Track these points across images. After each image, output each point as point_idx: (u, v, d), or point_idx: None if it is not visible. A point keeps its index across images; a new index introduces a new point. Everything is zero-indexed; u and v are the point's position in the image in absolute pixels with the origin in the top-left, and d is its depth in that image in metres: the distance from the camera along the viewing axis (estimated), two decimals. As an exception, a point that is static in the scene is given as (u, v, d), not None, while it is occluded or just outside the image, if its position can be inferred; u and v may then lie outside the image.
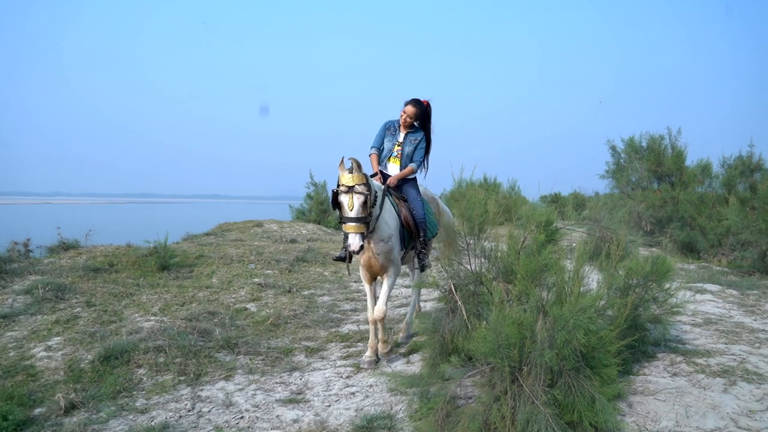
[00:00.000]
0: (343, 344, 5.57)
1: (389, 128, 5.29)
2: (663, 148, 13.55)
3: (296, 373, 4.79)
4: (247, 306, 6.82)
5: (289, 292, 7.68)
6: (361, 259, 4.80)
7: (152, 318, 6.02)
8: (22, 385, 4.44)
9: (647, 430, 3.23)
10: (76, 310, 6.24)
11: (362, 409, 3.93)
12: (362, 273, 4.93)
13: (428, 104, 5.26)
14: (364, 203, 4.33)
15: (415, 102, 5.17)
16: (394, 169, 5.26)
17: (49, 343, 5.27)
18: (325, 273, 9.15)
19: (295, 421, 3.84)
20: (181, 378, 4.66)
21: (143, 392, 4.41)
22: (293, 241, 11.85)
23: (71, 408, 4.06)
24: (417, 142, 5.25)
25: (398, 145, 5.25)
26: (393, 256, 4.77)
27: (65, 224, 10.39)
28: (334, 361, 5.07)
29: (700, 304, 6.48)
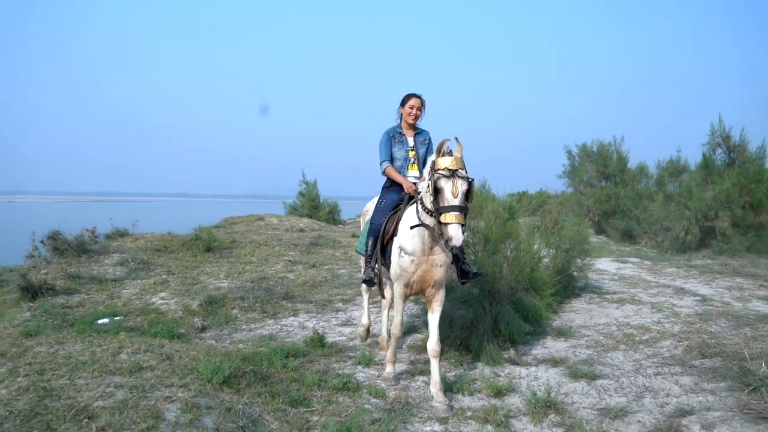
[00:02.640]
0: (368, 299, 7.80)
1: (394, 137, 4.93)
2: (610, 152, 16.14)
3: (340, 313, 7.01)
4: (286, 275, 9.02)
5: (314, 267, 9.90)
6: (411, 278, 4.23)
7: (224, 280, 8.20)
8: (159, 319, 6.57)
9: (567, 325, 5.58)
10: (163, 276, 8.36)
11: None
12: (400, 289, 4.31)
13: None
14: (468, 191, 3.86)
15: (414, 94, 4.91)
16: (413, 176, 4.94)
17: (160, 296, 7.40)
18: (336, 254, 11.38)
19: (351, 332, 6.08)
20: (264, 315, 6.84)
21: (242, 323, 6.57)
22: (302, 230, 14.06)
23: (202, 329, 6.21)
24: (427, 142, 5.01)
25: (412, 151, 4.95)
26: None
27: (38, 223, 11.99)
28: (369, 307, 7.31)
29: (622, 269, 8.93)
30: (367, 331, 5.57)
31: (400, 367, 4.88)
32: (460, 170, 3.83)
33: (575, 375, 4.36)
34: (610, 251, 11.76)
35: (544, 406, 3.77)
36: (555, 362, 4.69)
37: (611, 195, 14.77)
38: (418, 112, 4.90)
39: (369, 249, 4.75)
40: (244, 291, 7.52)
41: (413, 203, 4.38)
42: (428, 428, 3.68)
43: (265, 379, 4.19)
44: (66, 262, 8.63)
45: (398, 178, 4.79)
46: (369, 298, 5.65)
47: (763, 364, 3.77)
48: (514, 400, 4.03)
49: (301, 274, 9.20)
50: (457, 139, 3.97)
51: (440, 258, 4.20)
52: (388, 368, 4.61)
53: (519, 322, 5.00)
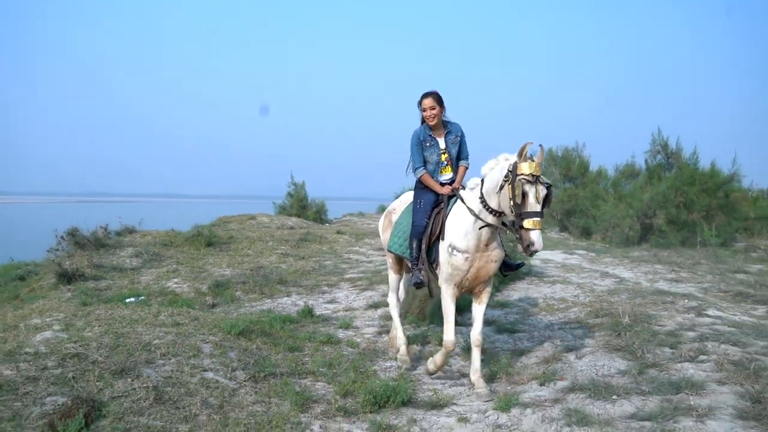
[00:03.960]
0: (349, 283, 9.20)
1: (425, 141, 4.76)
2: (573, 157, 17.69)
3: (326, 294, 8.41)
4: (280, 265, 10.41)
5: (303, 259, 11.30)
6: (464, 277, 4.32)
7: (227, 269, 9.59)
8: (176, 299, 7.93)
9: (505, 299, 7.04)
10: (174, 266, 9.73)
11: (371, 301, 7.61)
12: (451, 290, 4.39)
13: (437, 92, 4.76)
14: (547, 196, 3.93)
15: (429, 93, 4.70)
16: (446, 177, 4.87)
17: (174, 281, 8.78)
18: (323, 248, 12.79)
19: (335, 307, 7.50)
20: (263, 295, 8.23)
21: (245, 301, 7.95)
22: (291, 228, 15.45)
23: (213, 306, 7.59)
24: (458, 138, 4.84)
25: (444, 154, 4.81)
26: None
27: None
28: (348, 288, 8.73)
29: (568, 260, 10.42)
30: (408, 349, 5.20)
31: (372, 330, 6.31)
32: (541, 177, 3.91)
33: (501, 330, 5.82)
34: (566, 245, 13.26)
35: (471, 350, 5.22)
36: (489, 323, 6.13)
37: (572, 195, 16.29)
38: (434, 111, 4.67)
39: (414, 251, 4.62)
40: (244, 277, 8.91)
41: (456, 200, 4.51)
42: (388, 365, 5.11)
43: (269, 335, 5.58)
44: (88, 255, 9.97)
45: (434, 185, 4.73)
46: (399, 312, 5.46)
47: (627, 318, 5.26)
48: (392, 316, 5.48)
49: (293, 264, 10.59)
50: (541, 146, 4.08)
51: (495, 253, 4.35)
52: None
53: (465, 295, 6.44)
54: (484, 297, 4.53)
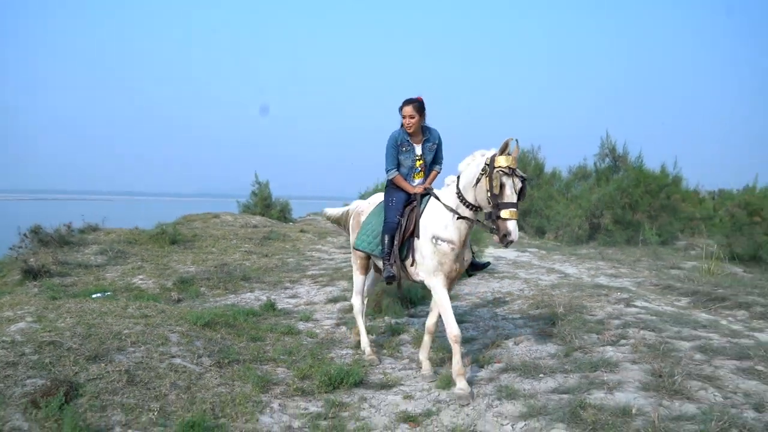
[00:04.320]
0: (311, 279, 9.57)
1: (402, 145, 4.84)
2: (529, 159, 18.38)
3: (288, 290, 8.78)
4: (243, 262, 10.72)
5: (266, 256, 11.62)
6: (453, 266, 4.45)
7: (191, 266, 9.86)
8: (142, 294, 8.19)
9: (456, 293, 7.53)
10: (139, 263, 9.96)
11: (331, 296, 8.01)
12: (442, 280, 4.43)
13: (421, 99, 4.81)
14: (522, 189, 4.08)
15: (410, 100, 4.74)
16: (418, 184, 4.98)
17: (139, 277, 9.02)
18: (286, 246, 13.12)
19: (296, 302, 7.88)
20: (226, 291, 8.55)
21: (210, 297, 8.27)
22: (255, 226, 15.73)
23: (178, 301, 7.88)
24: (435, 146, 4.97)
25: (419, 160, 4.92)
26: None
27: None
28: (310, 284, 9.10)
29: (519, 257, 11.01)
30: (373, 350, 5.39)
31: (330, 322, 6.71)
32: (517, 169, 4.06)
33: (449, 321, 6.29)
34: (520, 244, 13.85)
35: (420, 336, 5.68)
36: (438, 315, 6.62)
37: (528, 196, 16.97)
38: (413, 120, 4.73)
39: (386, 247, 4.72)
40: (208, 274, 9.21)
41: (429, 198, 4.66)
42: (344, 352, 5.53)
43: (232, 326, 5.93)
44: (52, 252, 10.11)
45: (406, 186, 4.84)
46: (363, 315, 5.59)
47: (562, 309, 5.80)
48: (405, 337, 5.93)
49: (256, 261, 10.92)
50: (516, 141, 4.12)
51: (468, 254, 4.56)
52: (461, 384, 4.23)
53: (416, 289, 6.90)
54: (451, 288, 4.69)
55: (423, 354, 4.92)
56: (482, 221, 4.40)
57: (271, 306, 7.19)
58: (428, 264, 4.46)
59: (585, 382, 4.06)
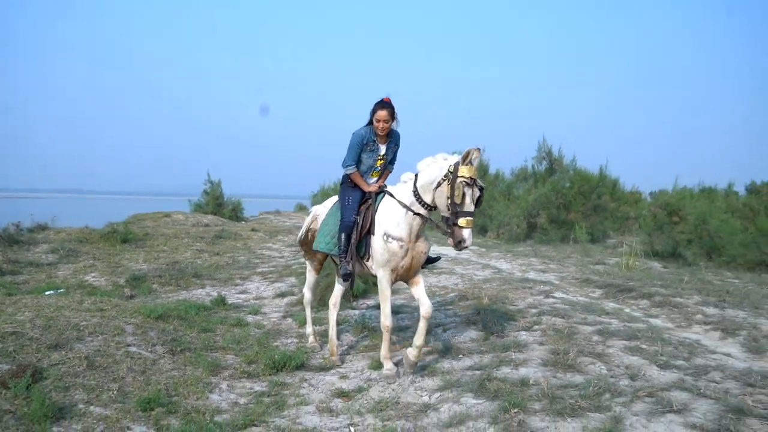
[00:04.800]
0: (261, 276, 10.00)
1: (367, 144, 4.93)
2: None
3: (239, 286, 9.19)
4: (195, 260, 11.05)
5: (218, 254, 11.97)
6: (400, 263, 4.61)
7: (143, 264, 10.15)
8: (95, 291, 8.47)
9: (395, 288, 8.10)
10: (90, 262, 10.18)
11: (279, 291, 8.48)
12: (388, 275, 4.63)
13: (390, 101, 4.89)
14: (480, 198, 4.28)
15: (384, 104, 4.82)
16: (373, 182, 5.12)
17: (91, 275, 9.27)
18: (237, 245, 13.48)
19: (246, 297, 8.31)
20: (178, 288, 8.90)
21: (162, 293, 8.61)
22: (207, 225, 15.98)
23: (131, 297, 8.20)
24: (396, 147, 5.14)
25: (380, 160, 5.05)
26: None
27: None
28: (259, 281, 9.54)
29: (460, 254, 11.67)
30: (315, 337, 5.85)
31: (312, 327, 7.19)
32: (477, 180, 4.25)
33: (387, 312, 6.86)
34: (463, 242, 14.62)
35: (360, 328, 6.24)
36: (377, 307, 7.17)
37: (472, 196, 17.76)
38: (387, 124, 4.84)
39: (343, 245, 4.84)
40: (160, 271, 9.53)
41: (384, 195, 4.80)
42: (288, 341, 6.03)
43: (184, 319, 6.34)
44: (2, 251, 10.22)
45: (362, 184, 4.97)
46: (312, 309, 6.06)
47: (487, 300, 6.45)
48: (344, 326, 6.46)
49: (207, 259, 11.27)
50: (478, 149, 4.27)
51: (423, 245, 4.70)
52: (388, 365, 4.72)
53: (357, 283, 7.45)
54: (419, 278, 4.83)
55: (419, 338, 4.69)
56: (435, 222, 4.54)
57: (221, 301, 7.60)
58: (378, 259, 4.66)
59: (496, 360, 4.68)
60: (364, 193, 4.97)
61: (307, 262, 5.96)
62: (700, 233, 10.97)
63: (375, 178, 5.12)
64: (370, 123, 4.93)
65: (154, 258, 10.83)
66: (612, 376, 4.18)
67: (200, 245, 12.80)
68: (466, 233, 4.18)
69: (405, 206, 4.58)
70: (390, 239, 4.56)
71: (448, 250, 12.10)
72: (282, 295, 8.22)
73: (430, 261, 5.07)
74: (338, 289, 5.75)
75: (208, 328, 6.16)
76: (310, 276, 5.92)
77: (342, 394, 4.47)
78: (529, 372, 4.37)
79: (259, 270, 10.48)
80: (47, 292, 8.04)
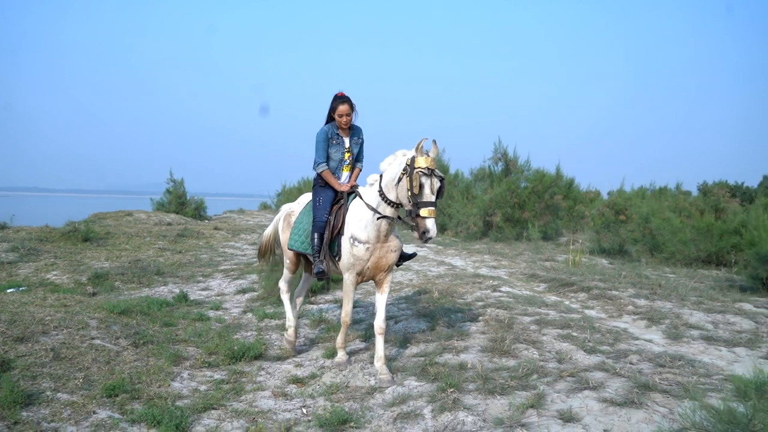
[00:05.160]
0: (223, 274, 10.23)
1: (331, 138, 5.05)
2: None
3: (201, 283, 9.42)
4: (157, 258, 11.20)
5: (180, 252, 12.13)
6: (365, 266, 4.68)
7: (105, 262, 10.27)
8: (57, 288, 8.59)
9: (354, 283, 8.45)
10: (52, 260, 10.25)
11: (241, 287, 8.74)
12: (352, 277, 4.75)
13: (345, 94, 5.05)
14: (441, 188, 4.32)
15: (343, 98, 4.97)
16: (346, 177, 5.23)
17: (53, 273, 9.37)
18: (200, 243, 13.64)
19: (208, 293, 8.55)
20: (141, 285, 9.08)
21: (124, 290, 8.78)
22: (169, 224, 16.06)
23: (93, 294, 8.36)
24: (360, 141, 5.24)
25: (347, 152, 5.15)
26: None
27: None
28: (221, 278, 9.77)
29: (418, 251, 12.08)
30: (295, 331, 5.62)
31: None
32: (436, 170, 4.29)
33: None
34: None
35: (317, 320, 6.57)
36: (335, 301, 7.53)
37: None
38: (348, 118, 4.98)
39: (316, 245, 4.91)
40: (123, 269, 9.69)
41: (354, 197, 4.89)
42: (248, 334, 6.32)
43: (147, 314, 6.58)
44: (-40, 250, 10.22)
45: (333, 182, 5.06)
46: (290, 298, 5.79)
47: (437, 294, 6.86)
48: (303, 320, 6.79)
49: (170, 257, 11.43)
50: (434, 141, 4.38)
51: (394, 243, 4.73)
52: (340, 354, 5.04)
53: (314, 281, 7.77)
54: (386, 287, 4.87)
55: (378, 361, 4.74)
56: (403, 218, 4.58)
57: (183, 297, 7.84)
58: (344, 259, 4.75)
59: (440, 348, 5.08)
60: (336, 192, 5.05)
61: (283, 263, 5.87)
62: (643, 231, 11.61)
63: (347, 173, 5.19)
64: (330, 120, 5.09)
65: (116, 256, 10.94)
66: (542, 360, 4.63)
67: (162, 243, 12.93)
68: (429, 223, 4.21)
69: (372, 209, 4.63)
70: (356, 242, 4.64)
71: (406, 249, 12.50)
72: (243, 291, 8.49)
73: (406, 258, 5.16)
74: (305, 280, 5.96)
75: (170, 323, 6.41)
76: (287, 275, 5.82)
77: (297, 380, 4.81)
78: (468, 357, 4.78)
79: (222, 268, 10.70)
80: (9, 290, 8.15)
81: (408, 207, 4.35)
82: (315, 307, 7.41)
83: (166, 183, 23.16)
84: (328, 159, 5.09)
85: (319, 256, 4.91)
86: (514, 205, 14.09)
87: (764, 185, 26.93)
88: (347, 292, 4.85)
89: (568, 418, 3.53)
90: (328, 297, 7.86)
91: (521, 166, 14.69)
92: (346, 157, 5.15)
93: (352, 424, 3.80)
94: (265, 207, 31.41)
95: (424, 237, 4.25)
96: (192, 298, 7.98)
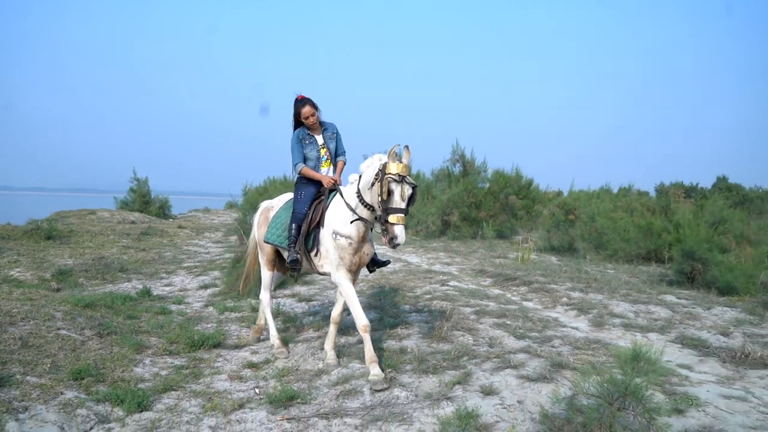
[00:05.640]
0: (186, 271, 10.52)
1: (303, 139, 5.19)
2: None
3: (164, 279, 9.71)
4: (121, 256, 11.42)
5: (144, 250, 12.36)
6: (352, 260, 4.74)
7: (69, 259, 10.46)
8: (21, 284, 8.79)
9: (311, 279, 8.87)
10: (15, 257, 10.39)
11: (203, 283, 9.07)
12: (346, 274, 4.73)
13: (304, 96, 5.20)
14: (412, 195, 4.37)
15: (304, 101, 5.13)
16: (326, 173, 5.29)
17: (17, 270, 9.54)
18: (164, 241, 13.86)
19: (171, 289, 8.86)
20: (104, 281, 9.33)
21: (88, 286, 9.02)
22: (133, 222, 16.20)
23: (57, 290, 8.59)
24: (335, 135, 5.33)
25: (323, 148, 5.25)
26: None
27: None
28: (184, 274, 10.07)
29: (377, 249, 12.55)
30: (282, 342, 5.60)
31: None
32: (407, 177, 4.33)
33: (300, 300, 7.64)
34: (380, 239, 15.53)
35: (274, 313, 6.97)
36: (293, 296, 7.93)
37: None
38: (313, 118, 5.13)
39: (293, 236, 4.99)
40: (86, 266, 9.91)
41: (335, 194, 4.94)
42: (208, 325, 6.69)
43: (111, 308, 6.89)
44: None
45: (316, 175, 5.13)
46: (270, 309, 5.88)
47: (388, 287, 7.32)
48: (264, 314, 7.17)
49: (133, 255, 11.65)
50: (407, 147, 4.39)
51: (368, 247, 4.87)
52: (331, 354, 5.01)
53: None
54: (355, 278, 4.96)
55: (328, 344, 5.09)
56: (375, 222, 4.62)
57: (146, 292, 8.14)
58: (331, 257, 4.76)
59: (385, 335, 5.55)
60: (317, 189, 5.14)
61: (260, 260, 5.92)
62: (589, 230, 12.29)
63: (325, 169, 5.27)
64: (299, 124, 5.25)
65: (79, 254, 11.12)
66: (475, 345, 5.13)
67: (126, 241, 13.11)
68: (398, 230, 4.26)
69: (351, 209, 4.69)
70: (338, 236, 4.69)
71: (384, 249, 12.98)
72: (205, 286, 8.83)
73: (378, 264, 5.21)
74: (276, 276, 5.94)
75: (133, 316, 6.74)
76: (265, 273, 5.82)
77: (252, 365, 5.21)
78: (408, 343, 5.27)
79: (185, 265, 10.99)
80: (-28, 286, 8.34)
81: (378, 212, 4.44)
82: (274, 300, 7.79)
83: (129, 182, 23.16)
84: (305, 159, 5.20)
85: (294, 246, 4.99)
86: (470, 204, 14.66)
87: (717, 186, 28.21)
88: (347, 293, 4.72)
89: (488, 391, 4.03)
90: (287, 292, 8.25)
91: (478, 167, 15.27)
92: (323, 154, 5.24)
93: (298, 400, 4.23)
94: (231, 206, 31.51)
95: (392, 243, 4.32)
96: (155, 293, 8.29)
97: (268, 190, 25.72)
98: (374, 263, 5.14)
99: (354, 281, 4.88)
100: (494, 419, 3.66)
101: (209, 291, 8.57)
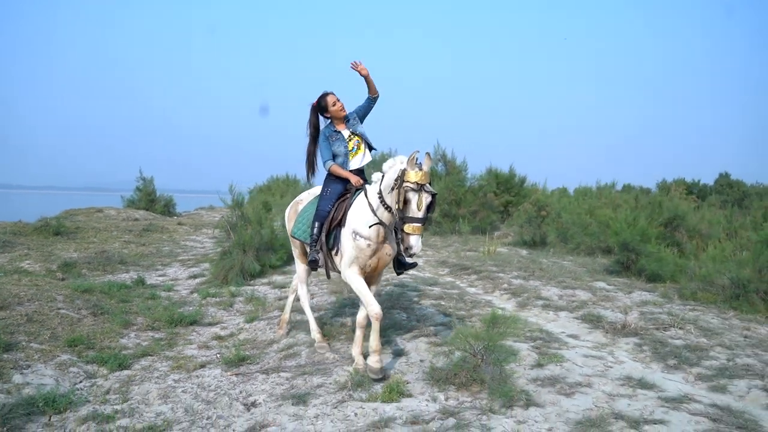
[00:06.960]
0: (180, 263, 11.54)
1: (330, 136, 5.13)
2: (380, 163, 21.12)
3: (159, 270, 10.72)
4: (122, 250, 12.47)
5: (144, 245, 13.41)
6: (368, 261, 4.65)
7: (74, 253, 11.53)
8: (30, 274, 9.84)
9: (287, 270, 9.85)
10: (25, 251, 11.48)
11: (193, 274, 10.07)
12: (357, 270, 4.64)
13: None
14: (431, 203, 4.22)
15: (325, 93, 5.17)
16: (356, 161, 5.22)
17: (26, 262, 10.61)
18: (164, 237, 14.91)
19: (164, 279, 9.88)
20: (105, 272, 10.36)
21: (90, 277, 10.05)
22: (137, 219, 17.28)
23: (62, 279, 9.62)
24: (356, 118, 5.24)
25: (350, 140, 5.16)
26: None
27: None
28: (177, 266, 11.09)
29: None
30: (322, 336, 5.61)
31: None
32: (426, 185, 4.16)
33: (275, 287, 8.62)
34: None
35: (250, 298, 7.96)
36: (269, 284, 8.91)
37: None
38: (339, 103, 5.10)
39: (315, 233, 4.93)
40: (89, 259, 10.95)
41: (360, 192, 4.83)
42: (190, 308, 7.68)
43: (107, 293, 7.90)
44: (-60, 242, 11.39)
45: (344, 173, 5.03)
46: (310, 305, 5.87)
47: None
48: (239, 298, 8.17)
49: (134, 249, 12.70)
50: (428, 154, 4.23)
51: (390, 248, 4.70)
52: (359, 360, 4.78)
53: (255, 265, 9.16)
54: (378, 278, 5.09)
55: (355, 350, 4.93)
56: (395, 227, 4.48)
57: (141, 281, 9.16)
58: (347, 253, 4.68)
59: (331, 313, 6.51)
60: (344, 187, 5.07)
61: (293, 252, 5.98)
62: (557, 225, 13.18)
63: (354, 159, 5.19)
64: (316, 130, 5.26)
65: (84, 248, 12.18)
66: (406, 321, 6.08)
67: (128, 237, 14.17)
68: (413, 240, 4.14)
69: (372, 210, 4.58)
70: (358, 237, 4.61)
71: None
72: (194, 276, 9.84)
73: (405, 267, 5.17)
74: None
75: (126, 300, 7.75)
76: (299, 266, 5.85)
77: (218, 338, 6.21)
78: (348, 320, 6.22)
79: (180, 258, 12.01)
80: (-13, 276, 9.39)
81: (396, 218, 4.32)
82: (250, 288, 8.80)
83: (135, 181, 24.29)
84: (334, 156, 5.12)
85: (315, 245, 4.95)
86: (451, 201, 15.57)
87: (719, 182, 28.86)
88: (357, 285, 4.65)
89: (399, 354, 4.99)
90: (264, 280, 9.24)
91: (459, 167, 16.18)
92: (351, 146, 5.16)
93: (248, 361, 5.22)
94: (237, 204, 32.53)
95: (407, 252, 4.21)
96: (149, 282, 9.30)
97: (271, 189, 26.81)
98: (401, 265, 5.13)
99: (377, 283, 5.03)
100: (395, 372, 4.62)
101: (197, 280, 9.57)
